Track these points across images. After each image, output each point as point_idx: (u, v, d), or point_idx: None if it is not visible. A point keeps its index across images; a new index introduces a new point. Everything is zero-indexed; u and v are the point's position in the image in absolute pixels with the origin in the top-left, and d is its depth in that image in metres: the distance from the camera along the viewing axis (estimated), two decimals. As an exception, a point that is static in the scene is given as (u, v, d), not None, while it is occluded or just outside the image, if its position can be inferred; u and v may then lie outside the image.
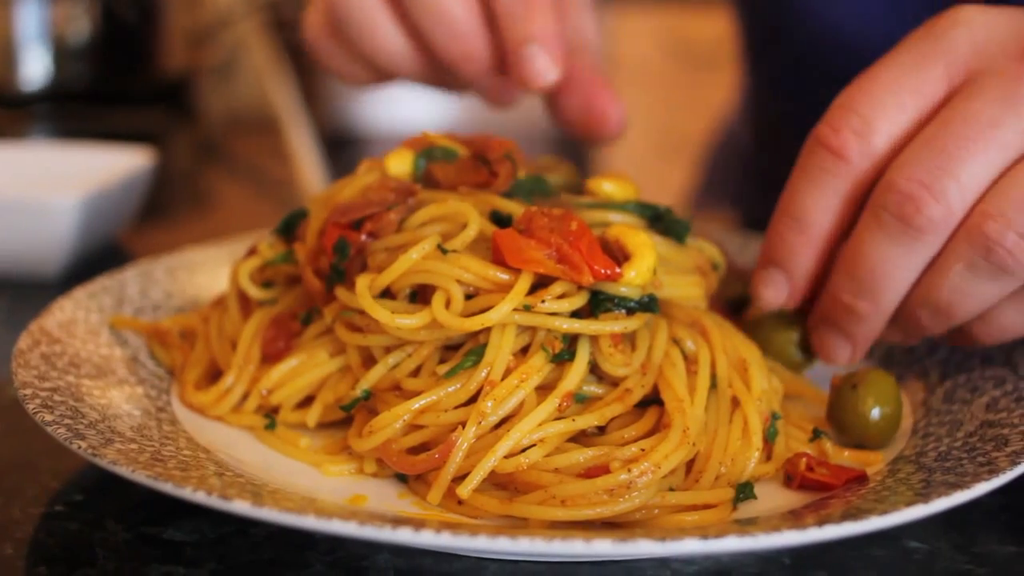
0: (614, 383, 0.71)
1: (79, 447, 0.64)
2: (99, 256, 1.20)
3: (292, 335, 0.80)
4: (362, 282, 0.72)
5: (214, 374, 0.82)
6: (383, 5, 0.92)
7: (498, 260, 0.72)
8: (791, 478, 0.70)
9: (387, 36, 0.92)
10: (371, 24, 0.92)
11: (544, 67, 0.88)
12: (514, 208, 0.76)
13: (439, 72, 0.95)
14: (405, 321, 0.71)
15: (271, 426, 0.76)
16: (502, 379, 0.68)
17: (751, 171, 1.56)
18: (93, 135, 1.58)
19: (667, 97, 4.85)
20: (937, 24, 0.73)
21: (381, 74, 0.97)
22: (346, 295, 0.75)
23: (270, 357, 0.79)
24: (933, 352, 0.85)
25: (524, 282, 0.70)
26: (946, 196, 0.69)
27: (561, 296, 0.70)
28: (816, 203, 0.75)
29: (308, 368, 0.77)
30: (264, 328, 0.80)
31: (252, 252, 0.85)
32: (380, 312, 0.71)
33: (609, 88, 0.93)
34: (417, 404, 0.69)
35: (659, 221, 0.80)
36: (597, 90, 0.92)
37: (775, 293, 0.79)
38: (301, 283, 0.81)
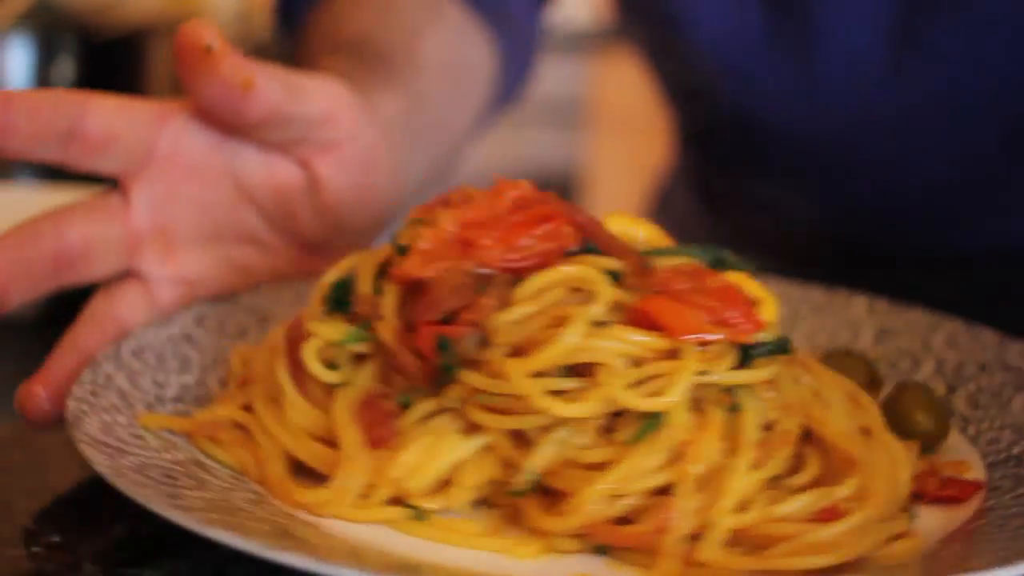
0: (767, 427, 0.73)
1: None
2: (76, 296, 1.07)
3: (389, 417, 0.75)
4: (517, 369, 0.69)
5: (294, 468, 0.75)
6: None
7: (639, 324, 0.72)
8: (919, 496, 0.75)
9: None
10: None
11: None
12: (618, 266, 0.75)
13: None
14: (576, 407, 0.69)
15: (419, 516, 0.71)
16: (690, 436, 0.69)
17: (687, 231, 1.60)
18: (76, 177, 1.43)
19: (651, 145, 4.77)
20: None
21: None
22: (478, 379, 0.71)
23: (375, 443, 0.74)
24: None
25: (691, 351, 0.70)
26: None
27: (719, 355, 0.72)
28: None
29: (441, 451, 0.72)
30: (357, 413, 0.75)
31: (300, 332, 0.78)
32: (548, 402, 0.69)
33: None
34: (615, 475, 0.68)
35: (722, 264, 0.82)
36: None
37: None
38: (371, 360, 0.77)
